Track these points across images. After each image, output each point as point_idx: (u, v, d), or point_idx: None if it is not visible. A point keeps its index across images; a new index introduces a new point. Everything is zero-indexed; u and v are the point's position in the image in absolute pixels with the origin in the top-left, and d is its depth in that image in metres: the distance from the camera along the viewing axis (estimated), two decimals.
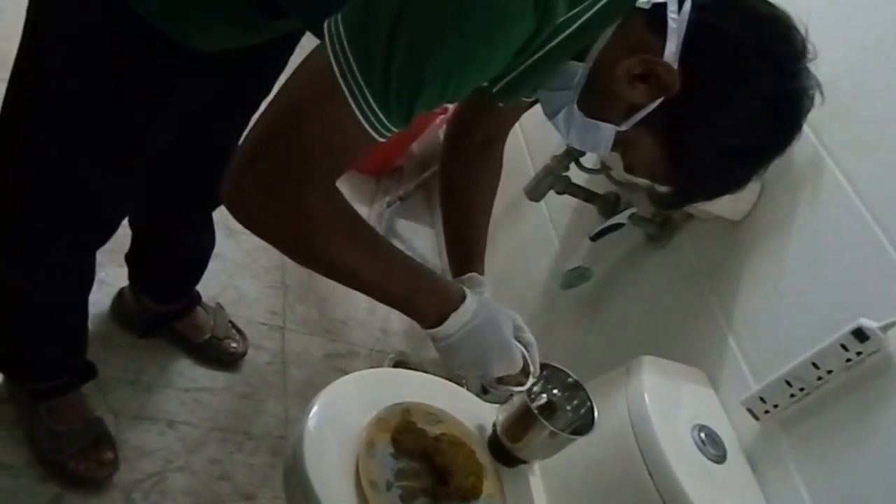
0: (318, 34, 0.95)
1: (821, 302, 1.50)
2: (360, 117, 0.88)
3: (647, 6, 0.96)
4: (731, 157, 0.99)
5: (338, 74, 0.87)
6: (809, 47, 0.96)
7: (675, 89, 0.94)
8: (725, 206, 1.72)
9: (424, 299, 1.11)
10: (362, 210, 2.86)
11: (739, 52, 0.94)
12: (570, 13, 0.93)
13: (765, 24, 0.95)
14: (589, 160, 2.07)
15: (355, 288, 1.07)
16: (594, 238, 2.00)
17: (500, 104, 1.12)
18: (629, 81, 0.97)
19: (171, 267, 1.99)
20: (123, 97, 1.28)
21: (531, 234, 2.52)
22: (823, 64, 0.99)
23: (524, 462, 1.46)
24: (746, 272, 1.69)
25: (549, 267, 2.36)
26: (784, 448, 1.49)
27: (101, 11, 1.19)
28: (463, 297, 1.13)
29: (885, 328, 1.34)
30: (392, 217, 3.01)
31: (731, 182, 1.04)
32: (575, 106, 1.04)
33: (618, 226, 1.96)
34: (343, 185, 0.98)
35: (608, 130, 1.03)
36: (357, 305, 2.64)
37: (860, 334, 1.35)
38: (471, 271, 1.33)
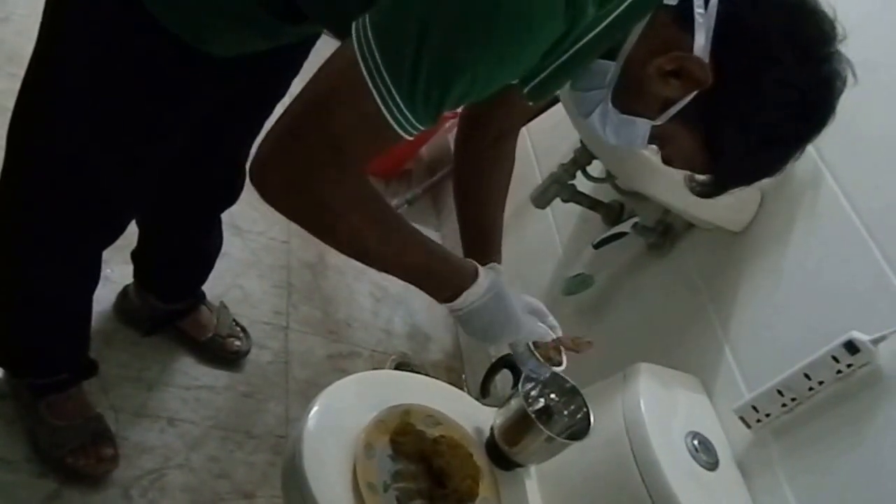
0: (341, 37, 0.97)
1: (814, 314, 1.52)
2: (387, 115, 0.90)
3: (673, 2, 0.97)
4: (767, 145, 1.01)
5: (365, 73, 0.88)
6: (839, 28, 0.97)
7: (707, 83, 0.96)
8: (726, 216, 1.73)
9: (438, 280, 1.16)
10: None
11: (767, 42, 0.95)
12: (599, 13, 0.94)
13: (791, 11, 0.96)
14: (595, 169, 2.08)
15: (374, 268, 1.12)
16: (597, 246, 2.02)
17: (531, 103, 1.13)
18: (662, 78, 0.98)
19: (177, 266, 2.00)
20: (138, 99, 1.29)
21: (536, 241, 2.53)
22: None
23: (521, 465, 1.48)
24: (744, 283, 1.71)
25: (552, 273, 2.38)
26: (775, 457, 1.50)
27: (117, 14, 1.20)
28: (475, 277, 1.17)
29: (876, 341, 1.35)
30: None
31: (769, 168, 1.05)
32: (609, 103, 1.06)
33: (621, 234, 1.98)
34: None
35: (644, 125, 1.05)
36: (361, 307, 2.66)
37: (851, 347, 1.37)
38: (489, 261, 1.35)
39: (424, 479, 1.36)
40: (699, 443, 1.48)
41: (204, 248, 1.99)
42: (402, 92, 0.88)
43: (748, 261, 1.72)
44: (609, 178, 2.05)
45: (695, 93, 0.98)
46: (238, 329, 2.23)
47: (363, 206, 1.02)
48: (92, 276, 1.66)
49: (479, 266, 1.19)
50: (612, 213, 2.12)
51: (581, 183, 2.08)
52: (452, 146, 3.21)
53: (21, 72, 2.52)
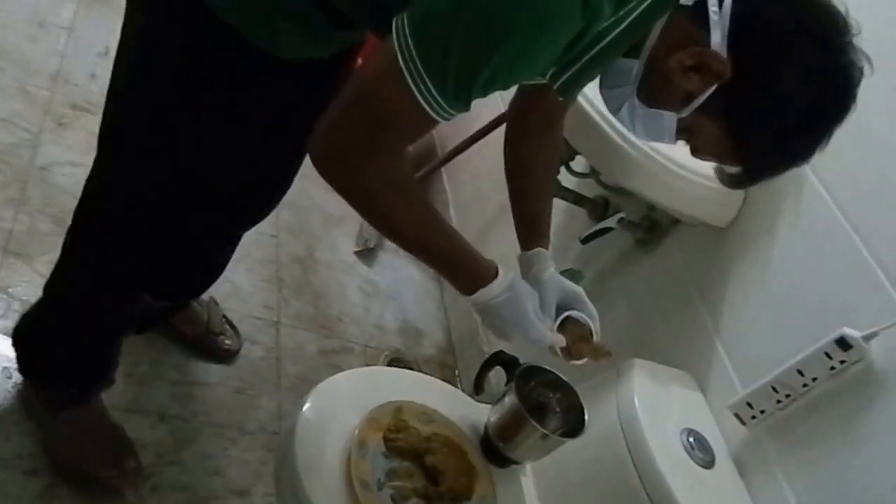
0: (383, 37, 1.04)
1: (805, 310, 1.53)
2: (422, 101, 0.99)
3: (689, 3, 1.02)
4: (791, 134, 1.05)
5: (402, 64, 0.97)
6: (852, 23, 1.01)
7: (726, 76, 1.01)
8: (710, 212, 1.74)
9: (459, 272, 1.23)
10: None
11: (783, 34, 1.00)
12: (619, 13, 1.01)
13: (803, 7, 1.01)
14: (578, 164, 2.08)
15: (404, 248, 1.22)
16: (584, 241, 2.02)
17: (561, 98, 1.22)
18: (683, 72, 1.04)
19: (186, 274, 1.96)
20: (210, 110, 1.33)
21: None
22: None
23: (516, 463, 1.48)
24: (733, 278, 1.71)
25: None
26: (771, 454, 1.51)
27: (190, 23, 1.25)
28: (494, 277, 1.23)
29: (868, 338, 1.36)
30: None
31: (796, 156, 1.09)
32: (636, 98, 1.11)
33: (607, 229, 1.98)
34: None
35: (670, 119, 1.10)
36: (351, 302, 2.65)
37: (843, 343, 1.38)
38: (537, 247, 1.42)
39: (419, 477, 1.36)
40: (695, 440, 1.48)
41: (218, 260, 1.96)
42: (434, 80, 0.97)
43: (735, 257, 1.73)
44: (593, 173, 2.05)
45: (715, 86, 1.03)
46: (228, 328, 2.22)
47: (397, 187, 1.12)
48: (142, 295, 1.73)
49: (499, 267, 1.24)
50: (598, 209, 2.12)
51: (565, 178, 2.08)
52: (437, 142, 3.20)
53: (9, 66, 2.50)
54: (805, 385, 1.44)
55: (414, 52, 0.96)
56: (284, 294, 2.51)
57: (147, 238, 1.49)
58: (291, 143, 1.61)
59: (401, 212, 1.14)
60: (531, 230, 1.44)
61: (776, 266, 1.63)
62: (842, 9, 1.01)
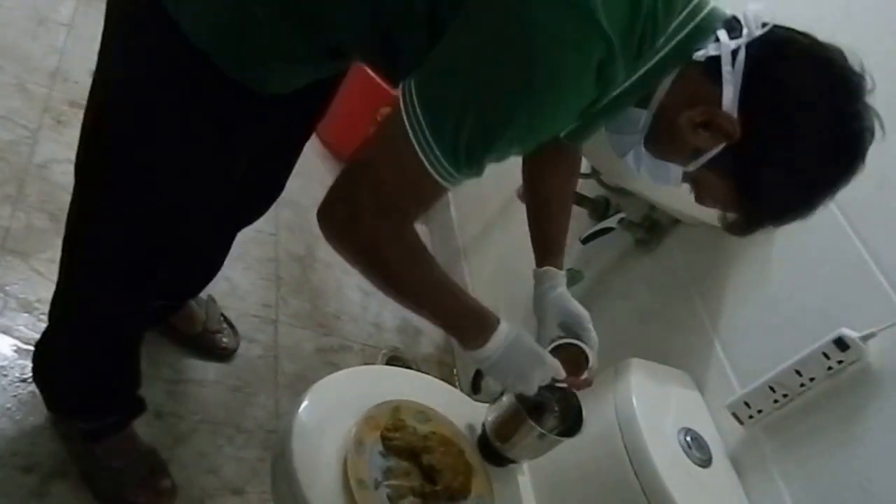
0: (387, 80, 1.07)
1: (804, 310, 1.53)
2: (431, 170, 0.99)
3: (701, 59, 1.02)
4: (797, 194, 1.04)
5: (410, 134, 0.97)
6: (867, 79, 0.99)
7: (735, 136, 1.00)
8: (711, 212, 1.72)
9: (465, 327, 1.22)
10: None
11: (796, 97, 0.99)
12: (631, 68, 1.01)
13: (818, 67, 0.99)
14: None
15: (410, 309, 1.19)
16: (584, 241, 2.02)
17: (567, 143, 1.23)
18: (692, 129, 1.03)
19: (185, 274, 1.96)
20: (200, 144, 1.31)
21: (524, 235, 2.51)
22: None
23: (513, 462, 1.47)
24: (733, 278, 1.71)
25: None
26: (768, 453, 1.51)
27: (177, 64, 1.22)
28: (497, 325, 1.22)
29: (866, 338, 1.36)
30: None
31: (800, 212, 1.08)
32: (642, 147, 1.12)
33: (608, 230, 1.98)
34: None
35: (676, 170, 1.10)
36: (350, 300, 2.65)
37: (841, 343, 1.38)
38: (546, 264, 1.41)
39: (416, 475, 1.36)
40: (692, 439, 1.48)
41: (214, 258, 1.96)
42: (444, 148, 0.97)
43: (735, 257, 1.73)
44: (594, 173, 2.06)
45: (724, 144, 1.02)
46: (225, 326, 2.22)
47: (404, 253, 1.10)
48: (152, 312, 1.74)
49: (498, 316, 1.23)
50: (598, 209, 2.12)
51: None
52: None
53: (8, 63, 2.49)
54: (802, 385, 1.44)
55: (422, 120, 0.96)
56: (283, 292, 2.51)
57: (145, 240, 1.48)
58: (287, 149, 1.62)
59: (408, 272, 1.13)
60: (544, 248, 1.44)
61: (775, 266, 1.63)
62: (857, 61, 0.99)
